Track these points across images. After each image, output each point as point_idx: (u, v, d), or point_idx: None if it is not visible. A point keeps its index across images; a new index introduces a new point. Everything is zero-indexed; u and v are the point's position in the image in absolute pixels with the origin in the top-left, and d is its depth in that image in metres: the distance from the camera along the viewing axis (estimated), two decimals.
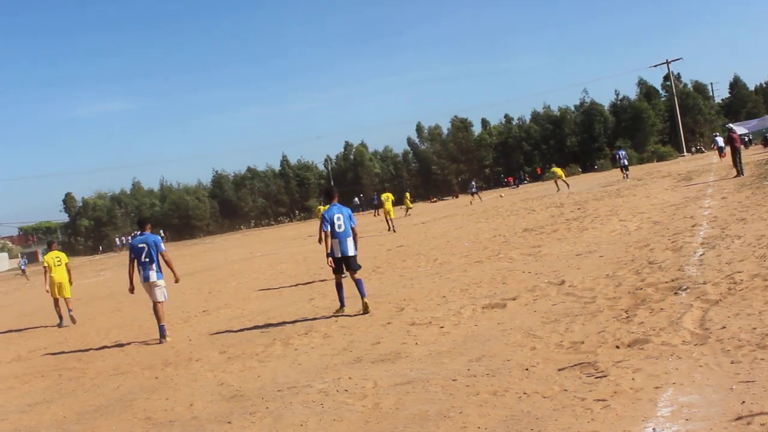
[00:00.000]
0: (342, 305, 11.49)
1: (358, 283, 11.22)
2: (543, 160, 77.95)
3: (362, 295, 11.12)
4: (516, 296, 10.16)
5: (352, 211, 11.88)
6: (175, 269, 12.43)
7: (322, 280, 16.22)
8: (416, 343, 8.41)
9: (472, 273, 13.39)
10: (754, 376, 5.31)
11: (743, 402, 4.87)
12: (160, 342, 11.83)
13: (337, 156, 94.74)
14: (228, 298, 16.40)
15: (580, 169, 74.91)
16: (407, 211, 49.14)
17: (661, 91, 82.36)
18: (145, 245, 12.04)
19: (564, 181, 44.78)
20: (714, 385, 5.28)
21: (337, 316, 11.26)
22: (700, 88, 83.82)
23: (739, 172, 26.45)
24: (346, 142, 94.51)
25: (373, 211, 58.59)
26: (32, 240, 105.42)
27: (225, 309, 14.47)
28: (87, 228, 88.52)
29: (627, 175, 42.27)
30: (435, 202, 73.38)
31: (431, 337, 8.59)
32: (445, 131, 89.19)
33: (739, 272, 8.88)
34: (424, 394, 6.31)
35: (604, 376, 5.91)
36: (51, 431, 7.42)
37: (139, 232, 12.67)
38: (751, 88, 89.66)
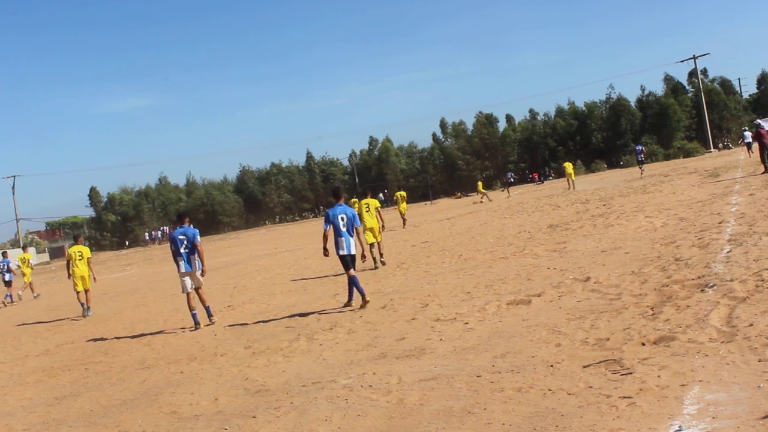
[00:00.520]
0: (350, 299, 12.13)
1: (353, 280, 11.83)
2: (568, 156, 77.44)
3: (361, 293, 11.71)
4: (541, 292, 10.13)
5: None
6: (205, 262, 12.95)
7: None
8: (441, 339, 8.42)
9: (497, 269, 13.37)
10: None
11: None
12: (211, 323, 12.63)
13: (361, 151, 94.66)
14: (253, 293, 16.49)
15: (605, 165, 74.44)
16: (482, 197, 51.61)
17: (687, 87, 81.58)
18: (184, 237, 12.74)
19: (571, 180, 44.56)
20: (741, 383, 5.23)
21: (351, 309, 11.79)
22: (726, 84, 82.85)
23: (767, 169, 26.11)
24: (371, 137, 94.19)
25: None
26: (59, 235, 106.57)
27: (250, 304, 14.55)
28: (113, 223, 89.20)
29: (642, 170, 42.08)
30: (459, 198, 73.28)
31: (456, 333, 8.59)
32: (470, 127, 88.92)
33: (767, 269, 8.79)
34: (449, 390, 6.31)
35: (630, 374, 5.87)
36: (78, 424, 7.49)
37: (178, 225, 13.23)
38: None
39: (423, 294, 11.98)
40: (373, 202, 18.39)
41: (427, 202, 72.53)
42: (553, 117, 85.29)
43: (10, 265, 26.56)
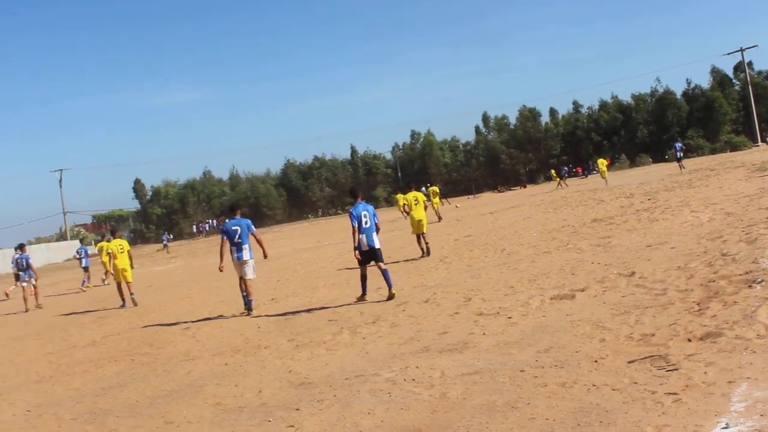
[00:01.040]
0: (364, 293, 12.62)
1: (385, 273, 12.30)
2: (612, 150, 76.58)
3: (389, 286, 12.19)
4: (585, 287, 10.05)
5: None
6: (265, 246, 13.90)
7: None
8: (484, 334, 8.40)
9: (540, 263, 13.29)
10: None
11: None
12: (248, 314, 13.04)
13: (403, 145, 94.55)
14: (296, 286, 16.60)
15: (650, 159, 73.45)
16: (560, 182, 54.32)
17: (734, 80, 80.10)
18: (238, 228, 13.37)
19: (604, 177, 44.23)
20: None
21: (360, 303, 12.45)
22: None
23: None
24: (413, 131, 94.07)
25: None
26: (105, 227, 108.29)
27: (293, 297, 14.65)
28: (158, 216, 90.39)
29: (682, 167, 41.64)
30: (502, 192, 72.91)
31: (499, 328, 8.57)
32: (513, 120, 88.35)
33: None
34: (492, 384, 6.31)
35: (676, 370, 5.81)
36: (124, 414, 7.63)
37: (230, 217, 13.86)
38: None
39: (466, 288, 11.96)
40: (421, 196, 19.76)
41: (470, 196, 72.36)
42: (597, 110, 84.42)
43: (88, 251, 28.34)
